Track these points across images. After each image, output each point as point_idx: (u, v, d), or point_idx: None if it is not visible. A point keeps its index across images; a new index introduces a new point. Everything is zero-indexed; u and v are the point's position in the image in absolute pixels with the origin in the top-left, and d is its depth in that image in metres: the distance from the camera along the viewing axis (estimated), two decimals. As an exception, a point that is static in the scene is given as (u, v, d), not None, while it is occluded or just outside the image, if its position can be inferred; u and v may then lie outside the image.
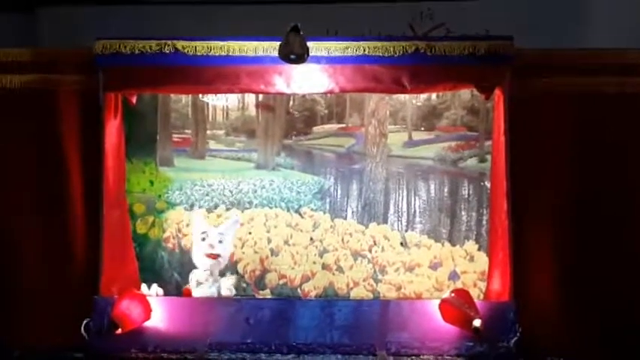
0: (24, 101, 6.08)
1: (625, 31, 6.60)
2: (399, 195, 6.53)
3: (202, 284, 6.06)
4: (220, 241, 6.12)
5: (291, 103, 6.58)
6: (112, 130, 6.02)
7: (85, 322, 5.70)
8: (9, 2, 6.91)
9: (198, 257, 6.14)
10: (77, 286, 5.96)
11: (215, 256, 6.11)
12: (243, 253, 6.45)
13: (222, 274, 6.20)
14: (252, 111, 6.60)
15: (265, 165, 6.59)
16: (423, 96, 6.46)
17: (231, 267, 6.37)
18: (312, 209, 6.52)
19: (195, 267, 6.13)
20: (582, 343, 5.91)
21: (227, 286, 6.11)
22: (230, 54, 5.88)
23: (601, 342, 5.94)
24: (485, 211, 6.39)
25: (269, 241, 6.49)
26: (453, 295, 5.82)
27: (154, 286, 6.10)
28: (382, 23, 6.74)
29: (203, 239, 6.12)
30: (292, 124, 6.60)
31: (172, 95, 6.46)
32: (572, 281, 6.00)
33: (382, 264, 6.43)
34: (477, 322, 5.63)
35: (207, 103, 6.58)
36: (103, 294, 5.84)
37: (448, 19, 6.85)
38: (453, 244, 6.45)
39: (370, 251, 6.46)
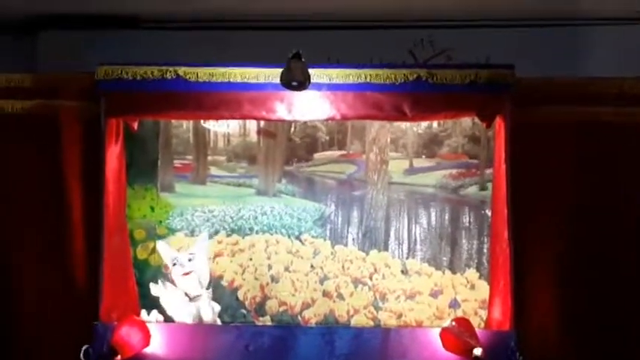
0: (25, 126, 6.09)
1: (623, 59, 6.61)
2: (399, 222, 6.53)
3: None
4: (190, 259, 6.14)
5: (292, 129, 6.59)
6: (113, 155, 6.02)
7: (84, 348, 5.68)
8: (12, 26, 6.92)
9: (177, 281, 6.15)
10: (77, 311, 5.95)
11: (188, 273, 6.11)
12: (244, 279, 6.43)
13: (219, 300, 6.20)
14: (253, 137, 6.61)
15: (266, 191, 6.59)
16: (424, 123, 6.46)
17: (231, 293, 6.37)
18: (312, 236, 6.51)
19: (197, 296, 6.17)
20: (583, 372, 5.91)
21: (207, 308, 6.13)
22: (232, 80, 5.90)
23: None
24: (486, 239, 6.38)
25: (269, 267, 6.48)
26: (453, 323, 5.80)
27: (154, 312, 6.09)
28: (383, 50, 6.75)
29: (174, 264, 6.15)
30: (293, 150, 6.61)
31: (174, 121, 6.47)
32: (573, 310, 5.99)
33: (383, 291, 6.41)
34: (477, 351, 5.62)
35: (209, 129, 6.59)
36: (102, 320, 5.82)
37: (449, 45, 6.86)
38: (454, 272, 6.43)
39: (371, 279, 6.44)
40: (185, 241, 6.43)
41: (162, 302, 6.14)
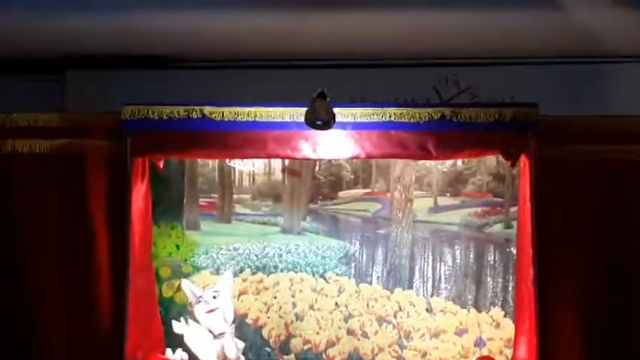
0: (52, 166, 6.12)
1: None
2: (424, 260, 6.52)
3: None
4: (214, 297, 6.12)
5: (317, 168, 6.61)
6: (139, 194, 6.06)
7: (110, 387, 5.70)
8: (39, 65, 7.00)
9: (202, 318, 6.13)
10: (103, 351, 5.95)
11: (213, 310, 6.10)
12: (268, 317, 6.43)
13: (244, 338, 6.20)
14: (278, 175, 6.63)
15: (291, 229, 6.60)
16: (449, 162, 6.46)
17: (255, 332, 6.37)
18: (337, 274, 6.51)
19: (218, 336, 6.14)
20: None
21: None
22: (257, 119, 5.93)
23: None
24: (511, 278, 6.36)
25: (294, 305, 6.47)
26: (479, 362, 5.79)
27: (179, 351, 6.09)
28: (407, 88, 6.78)
29: (199, 302, 6.15)
30: (318, 188, 6.63)
31: (199, 160, 6.50)
32: (600, 348, 5.94)
33: (407, 330, 6.40)
34: (503, 391, 5.60)
35: (234, 168, 6.62)
36: (128, 359, 5.83)
37: (473, 83, 6.88)
38: (479, 311, 6.41)
39: (395, 317, 6.43)
40: (210, 279, 6.43)
41: (186, 340, 6.14)
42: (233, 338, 6.15)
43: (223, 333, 6.11)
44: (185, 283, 6.27)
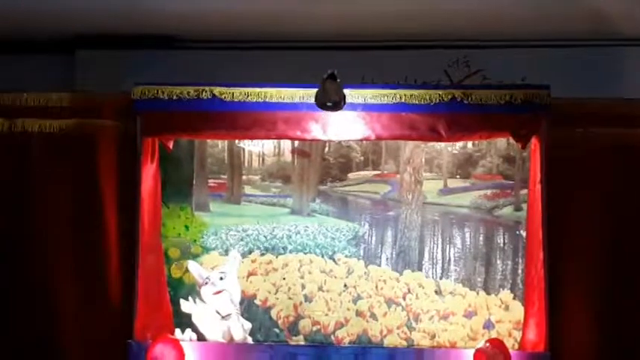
0: (63, 145, 6.14)
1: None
2: (433, 243, 6.51)
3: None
4: (221, 278, 6.16)
5: (326, 149, 6.60)
6: (149, 175, 6.06)
7: (118, 366, 5.73)
8: (49, 45, 6.99)
9: (208, 299, 6.18)
10: (112, 330, 5.98)
11: (220, 291, 6.14)
12: (277, 298, 6.44)
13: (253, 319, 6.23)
14: (287, 157, 6.63)
15: (300, 211, 6.60)
16: (459, 144, 6.44)
17: (264, 312, 6.38)
18: (346, 256, 6.51)
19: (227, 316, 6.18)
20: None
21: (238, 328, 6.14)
22: (267, 100, 5.93)
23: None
24: (520, 260, 6.35)
25: (303, 287, 6.48)
26: (487, 344, 5.78)
27: (188, 331, 6.11)
28: (418, 70, 6.75)
29: (206, 283, 6.18)
30: (327, 170, 6.62)
31: (209, 140, 6.50)
32: (609, 331, 5.95)
33: (416, 312, 6.40)
34: (512, 373, 5.60)
35: (244, 149, 6.62)
36: (137, 338, 5.86)
37: (484, 65, 6.85)
38: (488, 293, 6.40)
39: (404, 299, 6.43)
40: (219, 260, 6.44)
41: (194, 319, 6.17)
42: (240, 319, 6.17)
43: (230, 314, 6.13)
44: (192, 265, 6.28)
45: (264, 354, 5.92)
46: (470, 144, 6.49)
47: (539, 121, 5.85)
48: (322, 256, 6.52)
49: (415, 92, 5.88)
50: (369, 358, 5.87)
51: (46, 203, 6.13)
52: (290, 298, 6.46)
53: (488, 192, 6.52)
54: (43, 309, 6.09)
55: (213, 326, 6.14)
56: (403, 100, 5.87)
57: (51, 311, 6.08)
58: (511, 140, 6.17)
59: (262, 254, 6.51)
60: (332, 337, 6.38)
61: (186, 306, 6.17)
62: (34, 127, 6.20)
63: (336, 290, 6.46)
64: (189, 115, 5.97)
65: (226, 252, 6.48)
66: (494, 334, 6.24)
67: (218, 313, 6.15)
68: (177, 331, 6.10)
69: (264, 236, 6.56)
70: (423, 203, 6.53)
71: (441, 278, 6.47)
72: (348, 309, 6.43)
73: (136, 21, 6.59)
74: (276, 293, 6.46)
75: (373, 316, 6.43)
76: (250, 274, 6.48)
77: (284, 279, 6.50)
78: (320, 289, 6.48)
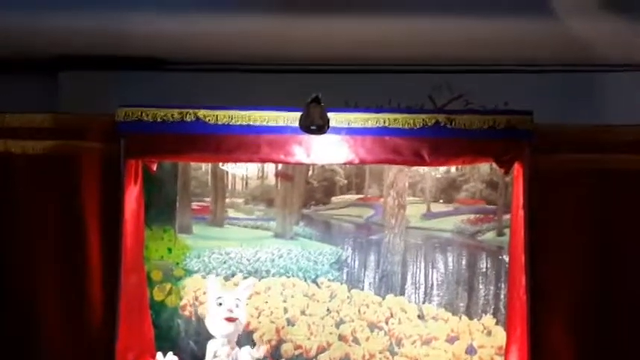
0: (46, 167, 6.10)
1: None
2: (416, 267, 6.52)
3: (220, 357, 5.99)
4: (237, 305, 6.02)
5: (310, 172, 6.61)
6: (132, 196, 6.04)
7: (99, 389, 5.69)
8: (33, 65, 6.97)
9: (215, 323, 6.02)
10: (93, 353, 5.94)
11: (234, 319, 5.98)
12: (259, 322, 6.42)
13: (238, 343, 6.16)
14: (271, 180, 6.63)
15: (283, 234, 6.60)
16: (442, 168, 6.47)
17: (246, 336, 6.35)
18: (329, 279, 6.51)
19: (211, 337, 6.06)
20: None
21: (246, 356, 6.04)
22: (251, 123, 5.91)
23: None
24: (503, 285, 6.36)
25: (285, 310, 6.47)
26: (470, 369, 5.78)
27: (170, 354, 6.06)
28: (401, 93, 6.77)
29: (220, 304, 6.02)
30: (311, 193, 6.62)
31: (192, 163, 6.49)
32: (593, 357, 5.94)
33: (399, 336, 6.39)
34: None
35: (227, 172, 6.62)
36: (118, 361, 5.83)
37: (467, 89, 6.87)
38: (471, 318, 6.41)
39: (387, 323, 6.43)
40: (202, 283, 6.43)
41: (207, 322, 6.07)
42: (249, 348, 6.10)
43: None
44: (211, 279, 6.19)
45: (246, 377, 5.90)
46: (453, 168, 6.51)
47: (521, 146, 5.85)
48: (305, 280, 6.52)
49: (399, 116, 5.87)
50: (351, 383, 5.87)
51: (29, 225, 6.08)
52: (272, 322, 6.44)
53: (472, 217, 6.53)
54: (23, 330, 6.03)
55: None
56: (387, 124, 5.87)
57: (32, 333, 6.04)
58: (494, 165, 6.18)
59: (245, 277, 6.48)
60: (314, 361, 6.38)
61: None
62: (16, 149, 6.16)
63: (319, 314, 6.45)
64: (173, 137, 5.94)
65: (209, 275, 6.44)
66: (476, 360, 6.26)
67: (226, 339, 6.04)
68: (159, 354, 6.04)
69: (247, 259, 6.55)
70: (406, 227, 6.54)
71: (423, 303, 6.47)
72: (331, 333, 6.42)
73: (121, 42, 6.57)
74: (258, 317, 6.45)
75: (356, 340, 6.42)
76: (233, 297, 6.46)
77: (266, 302, 6.48)
78: (302, 312, 6.47)
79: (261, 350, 6.07)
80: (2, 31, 6.38)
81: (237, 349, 6.05)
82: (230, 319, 5.98)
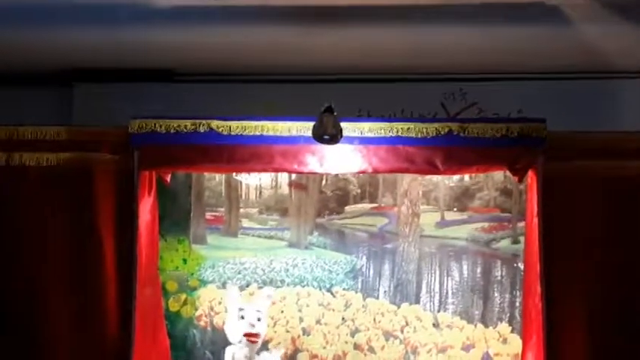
0: (59, 179, 6.11)
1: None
2: (431, 275, 6.52)
3: None
4: (259, 319, 5.99)
5: (323, 182, 6.62)
6: (146, 208, 6.05)
7: (115, 400, 5.70)
8: (47, 78, 7.01)
9: (236, 335, 5.99)
10: (109, 364, 5.97)
11: (256, 336, 5.95)
12: (275, 332, 6.43)
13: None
14: (285, 190, 6.64)
15: (298, 244, 6.61)
16: (456, 177, 6.47)
17: (263, 345, 6.35)
18: (344, 288, 6.51)
19: (227, 344, 6.04)
20: None
21: None
22: (264, 133, 5.92)
23: None
24: (518, 293, 6.36)
25: (301, 320, 6.47)
26: (485, 378, 5.77)
27: (185, 364, 6.11)
28: (414, 103, 6.77)
29: (242, 317, 5.99)
30: (325, 203, 6.63)
31: (206, 174, 6.51)
32: (606, 364, 5.94)
33: (414, 345, 6.39)
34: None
35: (241, 182, 6.63)
36: (134, 372, 5.84)
37: (480, 98, 6.87)
38: (486, 326, 6.40)
39: (402, 332, 6.42)
40: (217, 293, 6.44)
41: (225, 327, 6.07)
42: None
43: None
44: (230, 288, 6.19)
45: (262, 388, 5.91)
46: (467, 177, 6.51)
47: (535, 154, 5.84)
48: (320, 289, 6.52)
49: (412, 125, 5.87)
50: (366, 392, 5.87)
51: (44, 237, 6.11)
52: (288, 332, 6.45)
53: (486, 225, 6.53)
54: (38, 343, 6.05)
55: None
56: (400, 134, 5.86)
57: (47, 345, 6.05)
58: (508, 173, 6.18)
59: (260, 287, 6.49)
60: (330, 370, 6.38)
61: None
62: (31, 161, 6.18)
63: (334, 323, 6.46)
64: (186, 148, 5.95)
65: (224, 285, 6.47)
66: (492, 368, 6.25)
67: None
68: (175, 364, 6.10)
69: (262, 269, 6.56)
70: (420, 236, 6.54)
71: (438, 311, 6.47)
72: (346, 342, 6.42)
73: (135, 54, 6.61)
74: (274, 326, 6.45)
75: (371, 349, 6.41)
76: (248, 307, 6.48)
77: (282, 312, 6.49)
78: (318, 322, 6.47)
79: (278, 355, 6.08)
80: (17, 44, 6.43)
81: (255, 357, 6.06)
82: (252, 337, 5.93)
